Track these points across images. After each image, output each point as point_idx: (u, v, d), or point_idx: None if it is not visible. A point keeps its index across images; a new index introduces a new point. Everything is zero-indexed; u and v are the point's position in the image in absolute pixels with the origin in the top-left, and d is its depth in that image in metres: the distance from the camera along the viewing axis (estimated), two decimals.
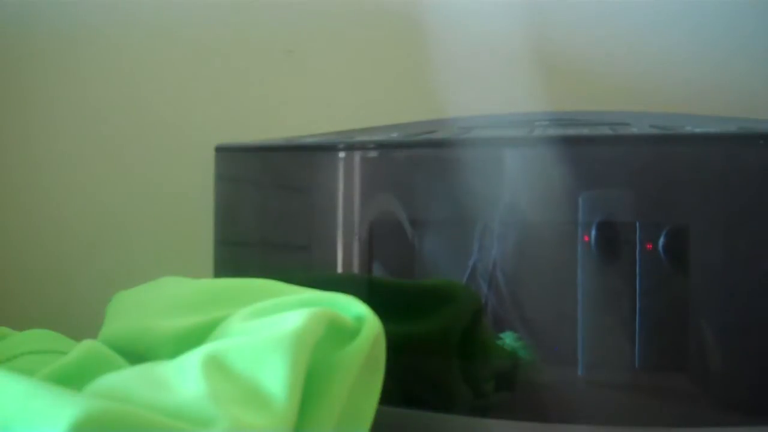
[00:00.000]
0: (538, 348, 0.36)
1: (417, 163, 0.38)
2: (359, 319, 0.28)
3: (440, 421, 0.36)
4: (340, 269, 0.39)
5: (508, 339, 0.36)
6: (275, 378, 0.24)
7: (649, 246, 0.34)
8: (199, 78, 0.64)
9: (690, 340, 0.34)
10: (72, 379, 0.27)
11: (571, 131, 0.39)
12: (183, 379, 0.24)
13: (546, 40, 0.57)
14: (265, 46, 0.62)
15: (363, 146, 0.39)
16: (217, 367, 0.24)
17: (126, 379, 0.25)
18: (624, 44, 0.56)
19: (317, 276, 0.39)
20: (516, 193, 0.36)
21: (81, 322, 0.38)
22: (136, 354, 0.29)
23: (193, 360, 0.25)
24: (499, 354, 0.36)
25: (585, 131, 0.39)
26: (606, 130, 0.38)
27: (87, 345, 0.29)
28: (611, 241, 0.34)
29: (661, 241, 0.34)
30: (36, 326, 0.35)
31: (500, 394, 0.36)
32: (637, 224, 0.34)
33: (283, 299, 0.29)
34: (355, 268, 0.39)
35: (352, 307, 0.28)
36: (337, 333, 0.27)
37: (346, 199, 0.39)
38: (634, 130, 0.39)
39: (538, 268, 0.37)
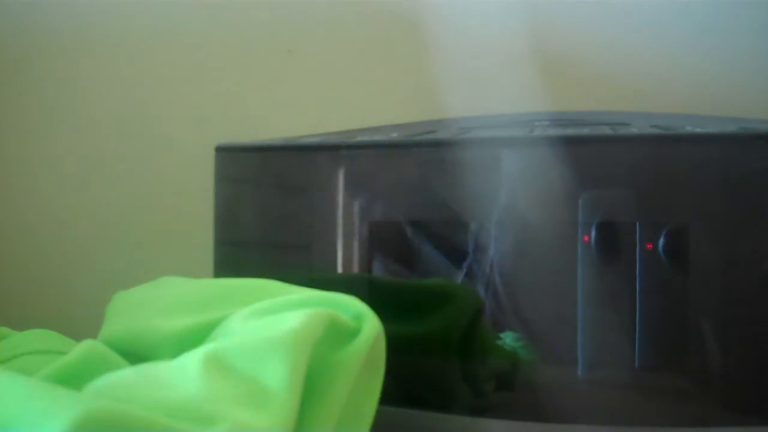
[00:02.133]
0: (538, 348, 0.36)
1: (417, 163, 0.38)
2: (359, 319, 0.28)
3: (440, 421, 0.36)
4: (340, 269, 0.39)
5: (508, 339, 0.36)
6: (275, 378, 0.24)
7: (649, 246, 0.34)
8: (199, 78, 0.64)
9: (690, 340, 0.34)
10: (72, 379, 0.26)
11: (571, 131, 0.39)
12: (183, 378, 0.24)
13: (546, 40, 0.57)
14: (265, 46, 0.62)
15: (363, 146, 0.39)
16: (217, 367, 0.24)
17: (126, 378, 0.25)
18: (624, 44, 0.56)
19: (317, 276, 0.39)
20: (516, 194, 0.36)
21: (81, 322, 0.38)
22: (135, 354, 0.29)
23: (193, 359, 0.25)
24: (498, 354, 0.36)
25: (585, 131, 0.39)
26: (606, 130, 0.38)
27: (87, 345, 0.29)
28: (611, 241, 0.34)
29: (661, 241, 0.34)
30: (36, 326, 0.35)
31: (500, 394, 0.36)
32: (637, 224, 0.34)
33: (283, 299, 0.29)
34: (355, 268, 0.38)
35: (352, 307, 0.28)
36: (337, 333, 0.27)
37: (346, 199, 0.39)
38: (634, 130, 0.39)
39: (538, 268, 0.37)
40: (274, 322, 0.26)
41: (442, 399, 0.36)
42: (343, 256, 0.39)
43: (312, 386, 0.25)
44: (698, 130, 0.36)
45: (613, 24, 0.57)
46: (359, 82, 0.61)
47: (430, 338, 0.36)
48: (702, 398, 0.34)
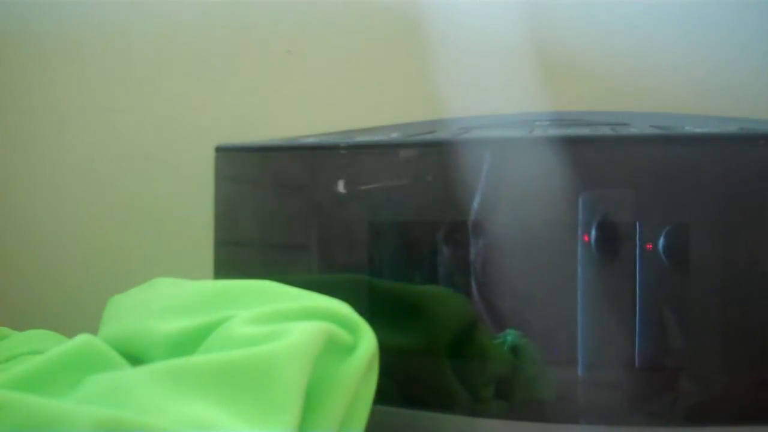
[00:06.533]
0: (538, 348, 0.36)
1: (417, 163, 0.38)
2: (355, 333, 0.28)
3: (440, 421, 0.36)
4: (339, 269, 0.39)
5: (510, 337, 0.36)
6: (278, 392, 0.24)
7: (649, 246, 0.34)
8: (199, 78, 0.64)
9: (690, 340, 0.34)
10: (65, 370, 0.26)
11: (571, 131, 0.39)
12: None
13: (546, 40, 0.57)
14: (265, 46, 0.62)
15: (363, 146, 0.39)
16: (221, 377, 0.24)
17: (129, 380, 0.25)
18: (624, 44, 0.56)
19: (317, 277, 0.39)
20: (516, 193, 0.36)
21: (81, 323, 0.38)
22: (131, 356, 0.29)
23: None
24: (498, 355, 0.36)
25: (585, 131, 0.39)
26: (606, 130, 0.38)
27: (83, 338, 0.28)
28: (611, 241, 0.34)
29: (661, 241, 0.34)
30: (36, 326, 0.35)
31: (500, 394, 0.36)
32: (637, 224, 0.34)
33: (283, 308, 0.28)
34: (355, 269, 0.38)
35: (348, 320, 0.28)
36: (335, 348, 0.27)
37: (346, 199, 0.39)
38: (634, 130, 0.39)
39: (538, 268, 0.37)
40: (276, 335, 0.26)
41: (443, 400, 0.36)
42: (343, 256, 0.39)
43: (310, 401, 0.25)
44: (698, 130, 0.36)
45: (613, 24, 0.57)
46: (359, 82, 0.61)
47: (423, 342, 0.36)
48: (702, 398, 0.34)
